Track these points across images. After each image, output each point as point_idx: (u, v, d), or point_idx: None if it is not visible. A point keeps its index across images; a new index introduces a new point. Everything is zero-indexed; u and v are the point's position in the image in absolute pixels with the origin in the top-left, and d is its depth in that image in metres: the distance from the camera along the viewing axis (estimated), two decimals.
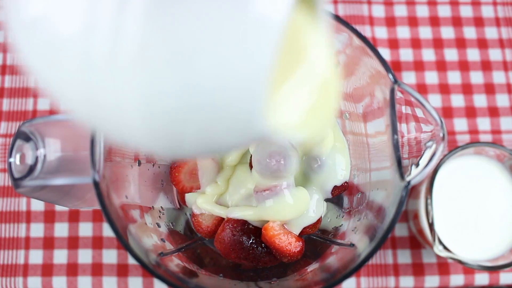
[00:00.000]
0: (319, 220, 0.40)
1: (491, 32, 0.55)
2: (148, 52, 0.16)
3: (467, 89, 0.54)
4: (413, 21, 0.55)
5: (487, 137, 0.52)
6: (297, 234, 0.38)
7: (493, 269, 0.41)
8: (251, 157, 0.39)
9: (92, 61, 0.16)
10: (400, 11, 0.56)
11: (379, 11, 0.56)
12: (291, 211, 0.37)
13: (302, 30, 0.23)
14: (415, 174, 0.29)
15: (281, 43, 0.16)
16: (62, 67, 0.17)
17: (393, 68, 0.54)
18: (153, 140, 0.19)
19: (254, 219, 0.38)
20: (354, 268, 0.30)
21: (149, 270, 0.30)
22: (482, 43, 0.55)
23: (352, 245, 0.35)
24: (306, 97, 0.23)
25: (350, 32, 0.32)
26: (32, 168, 0.29)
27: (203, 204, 0.39)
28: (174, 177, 0.40)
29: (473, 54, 0.55)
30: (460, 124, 0.53)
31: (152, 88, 0.17)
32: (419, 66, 0.54)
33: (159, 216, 0.40)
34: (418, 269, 0.49)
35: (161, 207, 0.41)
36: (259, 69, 0.17)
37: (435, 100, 0.53)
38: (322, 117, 0.25)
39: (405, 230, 0.50)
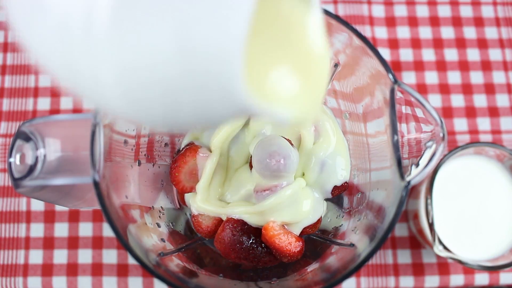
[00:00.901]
0: (319, 220, 0.40)
1: (491, 32, 0.55)
2: (120, 24, 0.17)
3: (467, 89, 0.54)
4: (413, 21, 0.55)
5: (487, 137, 0.52)
6: (297, 234, 0.38)
7: (493, 269, 0.41)
8: (251, 157, 0.39)
9: (70, 30, 0.17)
10: (400, 11, 0.56)
11: (379, 11, 0.56)
12: (291, 212, 0.38)
13: (293, 11, 0.24)
14: (415, 174, 0.29)
15: (255, 14, 0.17)
16: (43, 32, 0.18)
17: (393, 68, 0.54)
18: (132, 111, 0.19)
19: (253, 220, 0.38)
20: (354, 268, 0.30)
21: (149, 270, 0.30)
22: (482, 43, 0.55)
23: (352, 245, 0.35)
24: (293, 74, 0.24)
25: (350, 32, 0.32)
26: (32, 168, 0.29)
27: (199, 204, 0.39)
28: (174, 177, 0.40)
29: (473, 54, 0.55)
30: (460, 124, 0.53)
31: (126, 61, 0.17)
32: (419, 66, 0.54)
33: (159, 216, 0.40)
34: (418, 269, 0.49)
35: (161, 207, 0.41)
36: (232, 38, 0.17)
37: (435, 100, 0.53)
38: (310, 96, 0.25)
39: (405, 230, 0.50)
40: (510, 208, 0.44)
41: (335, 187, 0.40)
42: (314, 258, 0.40)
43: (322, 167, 0.40)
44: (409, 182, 0.29)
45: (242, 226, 0.37)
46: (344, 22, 0.32)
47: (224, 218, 0.39)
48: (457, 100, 0.53)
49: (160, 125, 0.22)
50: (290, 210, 0.37)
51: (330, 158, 0.40)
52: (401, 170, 0.29)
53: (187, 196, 0.41)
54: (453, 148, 0.43)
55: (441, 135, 0.29)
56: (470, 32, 0.55)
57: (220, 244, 0.38)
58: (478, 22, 0.56)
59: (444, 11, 0.56)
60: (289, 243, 0.37)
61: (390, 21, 0.55)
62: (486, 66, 0.54)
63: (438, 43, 0.55)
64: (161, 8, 0.16)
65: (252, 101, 0.20)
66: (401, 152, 0.30)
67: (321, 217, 0.40)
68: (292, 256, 0.37)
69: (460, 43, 0.55)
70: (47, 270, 0.48)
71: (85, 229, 0.49)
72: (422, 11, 0.56)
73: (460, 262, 0.41)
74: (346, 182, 0.41)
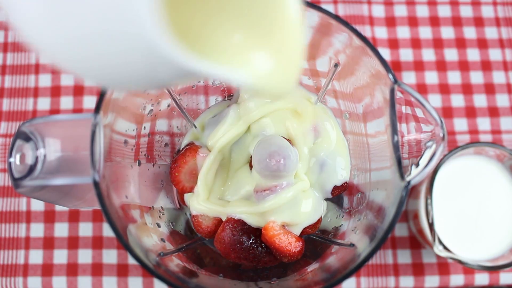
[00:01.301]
0: (319, 220, 0.40)
1: (491, 32, 0.55)
2: None
3: (467, 89, 0.54)
4: (413, 21, 0.55)
5: (487, 137, 0.52)
6: (297, 234, 0.38)
7: (493, 269, 0.41)
8: (251, 157, 0.39)
9: None
10: (400, 11, 0.56)
11: (379, 11, 0.56)
12: (292, 213, 0.38)
13: None
14: (415, 174, 0.29)
15: None
16: None
17: (393, 68, 0.54)
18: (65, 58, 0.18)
19: (253, 221, 0.38)
20: (354, 268, 0.30)
21: (149, 270, 0.30)
22: (482, 43, 0.55)
23: (352, 245, 0.35)
24: (256, 32, 0.20)
25: (350, 32, 0.32)
26: (32, 168, 0.29)
27: (195, 205, 0.39)
28: (174, 177, 0.40)
29: (473, 54, 0.55)
30: (460, 124, 0.53)
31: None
32: (419, 66, 0.54)
33: (159, 216, 0.40)
34: (418, 269, 0.49)
35: (161, 207, 0.41)
36: None
37: (435, 100, 0.53)
38: (282, 64, 0.21)
39: (405, 230, 0.50)
40: (510, 208, 0.44)
41: (335, 187, 0.40)
42: (314, 258, 0.40)
43: (322, 167, 0.40)
44: (409, 182, 0.29)
45: (242, 226, 0.37)
46: (344, 22, 0.32)
47: (223, 218, 0.39)
48: (457, 100, 0.53)
49: (97, 79, 0.19)
50: (291, 211, 0.37)
51: (330, 158, 0.40)
52: (401, 170, 0.29)
53: (187, 196, 0.41)
54: (453, 148, 0.43)
55: (441, 135, 0.29)
56: (470, 32, 0.55)
57: (220, 244, 0.38)
58: (478, 22, 0.56)
59: (444, 11, 0.56)
60: (289, 243, 0.37)
61: (390, 21, 0.55)
62: (486, 66, 0.54)
63: (438, 43, 0.55)
64: None
65: (178, 55, 0.17)
66: (401, 152, 0.30)
67: (321, 217, 0.40)
68: (292, 256, 0.37)
69: (460, 43, 0.55)
70: (47, 270, 0.48)
71: (85, 229, 0.49)
72: (422, 11, 0.56)
73: (460, 262, 0.41)
74: (346, 182, 0.41)
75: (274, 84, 0.22)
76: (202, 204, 0.39)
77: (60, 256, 0.49)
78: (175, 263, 0.36)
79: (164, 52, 0.17)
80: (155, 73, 0.18)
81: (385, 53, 0.54)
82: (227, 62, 0.20)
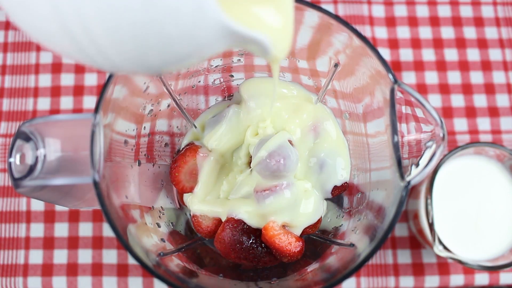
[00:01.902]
0: (319, 220, 0.40)
1: (491, 32, 0.55)
2: None
3: (467, 89, 0.54)
4: (413, 21, 0.55)
5: (487, 137, 0.52)
6: (298, 234, 0.38)
7: (493, 269, 0.41)
8: (251, 157, 0.39)
9: None
10: (400, 11, 0.56)
11: (379, 11, 0.56)
12: (292, 214, 0.37)
13: None
14: (415, 174, 0.29)
15: None
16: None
17: (393, 68, 0.54)
18: (127, 59, 0.20)
19: (253, 222, 0.38)
20: (354, 268, 0.30)
21: (149, 270, 0.30)
22: (482, 43, 0.55)
23: (352, 245, 0.35)
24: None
25: (350, 32, 0.32)
26: (32, 168, 0.29)
27: (194, 207, 0.39)
28: (174, 177, 0.40)
29: (473, 54, 0.55)
30: (460, 124, 0.53)
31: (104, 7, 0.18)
32: (419, 66, 0.54)
33: (159, 216, 0.40)
34: (418, 269, 0.49)
35: (161, 207, 0.41)
36: None
37: (435, 100, 0.53)
38: (282, 23, 0.25)
39: (405, 230, 0.50)
40: (510, 208, 0.44)
41: (335, 187, 0.40)
42: (314, 258, 0.40)
43: (322, 167, 0.40)
44: (409, 182, 0.29)
45: (242, 226, 0.37)
46: (344, 22, 0.32)
47: (223, 219, 0.39)
48: (457, 100, 0.53)
49: (152, 65, 0.21)
50: (291, 211, 0.37)
51: (330, 158, 0.40)
52: (401, 170, 0.29)
53: (186, 197, 0.41)
54: (453, 148, 0.43)
55: (441, 135, 0.29)
56: (470, 32, 0.55)
57: (220, 244, 0.38)
58: (478, 22, 0.56)
59: (444, 11, 0.56)
60: (289, 243, 0.37)
61: (390, 21, 0.55)
62: (486, 66, 0.54)
63: (438, 43, 0.55)
64: None
65: (228, 21, 0.20)
66: (401, 152, 0.30)
67: (321, 217, 0.40)
68: (292, 256, 0.37)
69: (460, 43, 0.55)
70: (47, 270, 0.48)
71: (85, 229, 0.49)
72: (422, 11, 0.56)
73: (460, 262, 0.41)
74: (346, 182, 0.40)
75: (282, 46, 0.26)
76: (201, 204, 0.39)
77: (60, 256, 0.49)
78: (175, 263, 0.36)
79: (220, 23, 0.20)
80: (209, 42, 0.21)
81: (385, 53, 0.54)
82: (255, 27, 0.23)
